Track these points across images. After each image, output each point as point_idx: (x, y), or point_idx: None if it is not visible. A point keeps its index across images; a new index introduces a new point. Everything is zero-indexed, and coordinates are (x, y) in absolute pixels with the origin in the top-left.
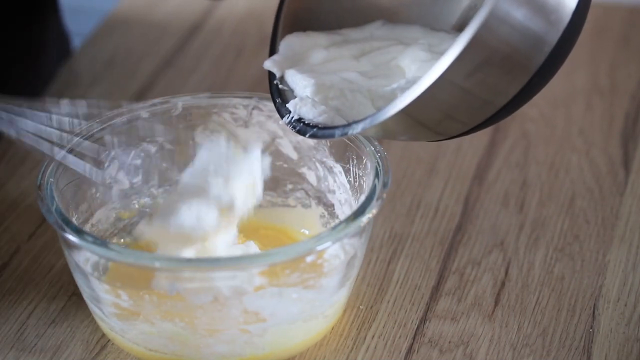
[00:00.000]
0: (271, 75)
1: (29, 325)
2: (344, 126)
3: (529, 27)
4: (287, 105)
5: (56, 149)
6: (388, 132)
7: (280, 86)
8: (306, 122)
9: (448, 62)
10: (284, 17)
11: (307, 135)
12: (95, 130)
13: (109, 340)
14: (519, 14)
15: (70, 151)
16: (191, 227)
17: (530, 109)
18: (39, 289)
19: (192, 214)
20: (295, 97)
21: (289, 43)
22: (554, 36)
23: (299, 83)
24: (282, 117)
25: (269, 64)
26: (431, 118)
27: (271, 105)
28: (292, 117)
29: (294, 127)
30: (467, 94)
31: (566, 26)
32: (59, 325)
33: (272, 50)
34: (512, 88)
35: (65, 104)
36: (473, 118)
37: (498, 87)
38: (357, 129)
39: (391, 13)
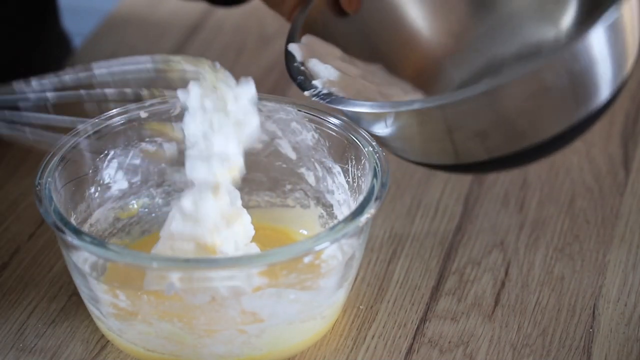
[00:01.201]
0: (289, 57)
1: (29, 325)
2: (381, 103)
3: (603, 70)
4: (313, 82)
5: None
6: (411, 133)
7: (302, 68)
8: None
9: (521, 72)
10: (305, 17)
11: (340, 105)
12: (93, 130)
13: (108, 340)
14: (598, 55)
15: (71, 150)
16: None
17: None
18: (39, 289)
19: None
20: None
21: (310, 41)
22: (612, 89)
23: (323, 71)
24: (304, 90)
25: (294, 47)
26: (466, 128)
27: (270, 105)
28: (321, 91)
29: (322, 99)
30: (511, 116)
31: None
32: (59, 325)
33: (290, 41)
34: (553, 128)
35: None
36: (500, 146)
37: (542, 121)
38: (400, 107)
39: (389, 65)
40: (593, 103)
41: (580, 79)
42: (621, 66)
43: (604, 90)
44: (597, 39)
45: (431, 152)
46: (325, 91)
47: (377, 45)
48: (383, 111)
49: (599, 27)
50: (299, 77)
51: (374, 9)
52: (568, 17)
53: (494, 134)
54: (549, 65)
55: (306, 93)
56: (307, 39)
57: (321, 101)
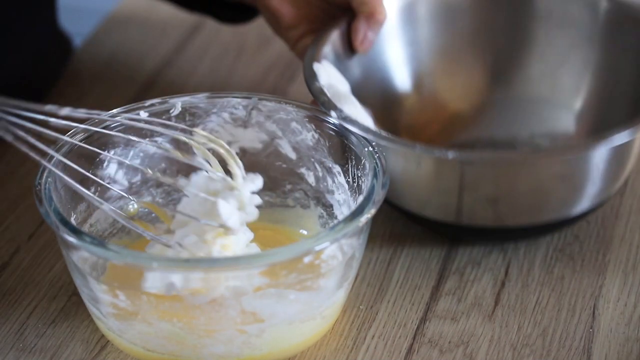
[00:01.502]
0: (310, 75)
1: (29, 325)
2: (413, 143)
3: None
4: (338, 105)
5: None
6: (423, 180)
7: (324, 89)
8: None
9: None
10: (324, 41)
11: (369, 135)
12: (93, 130)
13: (108, 340)
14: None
15: (69, 152)
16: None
17: None
18: (39, 289)
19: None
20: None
21: (328, 68)
22: (605, 196)
23: (344, 99)
24: (328, 109)
25: (319, 67)
26: (478, 191)
27: (270, 105)
28: (348, 115)
29: (349, 123)
30: (522, 191)
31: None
32: (59, 325)
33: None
34: (551, 214)
35: (65, 111)
36: (506, 217)
37: (547, 204)
38: (434, 153)
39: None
40: (589, 203)
41: (585, 178)
42: (617, 179)
43: (598, 195)
44: (605, 152)
45: (431, 205)
46: (352, 116)
47: (379, 91)
48: (412, 152)
49: (615, 141)
50: (323, 97)
51: (386, 55)
52: (582, 106)
53: (503, 204)
54: (578, 156)
55: (333, 114)
56: (326, 65)
57: (348, 125)
